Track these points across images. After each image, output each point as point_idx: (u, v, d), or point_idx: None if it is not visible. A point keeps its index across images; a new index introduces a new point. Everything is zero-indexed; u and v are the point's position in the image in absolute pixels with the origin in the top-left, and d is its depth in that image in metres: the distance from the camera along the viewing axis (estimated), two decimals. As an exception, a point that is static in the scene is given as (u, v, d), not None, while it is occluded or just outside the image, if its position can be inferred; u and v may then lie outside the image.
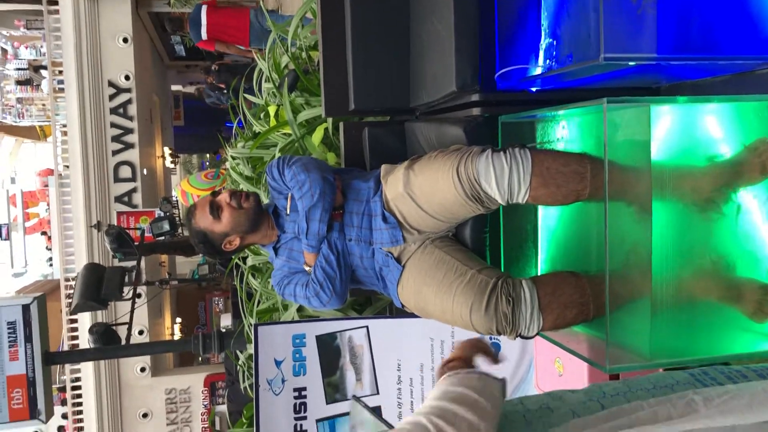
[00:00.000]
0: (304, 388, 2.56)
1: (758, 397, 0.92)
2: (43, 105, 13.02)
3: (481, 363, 1.19)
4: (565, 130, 1.90)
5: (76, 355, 5.50)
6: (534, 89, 1.98)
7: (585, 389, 1.15)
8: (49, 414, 3.85)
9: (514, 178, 1.69)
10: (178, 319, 12.24)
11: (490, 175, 1.71)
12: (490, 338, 2.75)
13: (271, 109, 3.34)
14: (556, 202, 1.74)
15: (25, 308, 3.74)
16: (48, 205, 12.61)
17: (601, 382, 1.21)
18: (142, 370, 9.40)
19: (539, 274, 2.04)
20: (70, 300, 7.35)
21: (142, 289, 8.11)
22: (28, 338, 3.74)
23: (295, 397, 2.55)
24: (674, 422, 0.91)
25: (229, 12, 6.50)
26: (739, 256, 1.66)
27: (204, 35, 6.49)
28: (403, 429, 0.87)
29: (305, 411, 2.55)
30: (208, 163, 14.37)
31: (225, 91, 8.51)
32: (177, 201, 10.34)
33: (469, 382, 0.96)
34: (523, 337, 1.80)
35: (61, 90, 9.18)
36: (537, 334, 1.79)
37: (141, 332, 9.18)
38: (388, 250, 2.01)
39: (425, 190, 1.87)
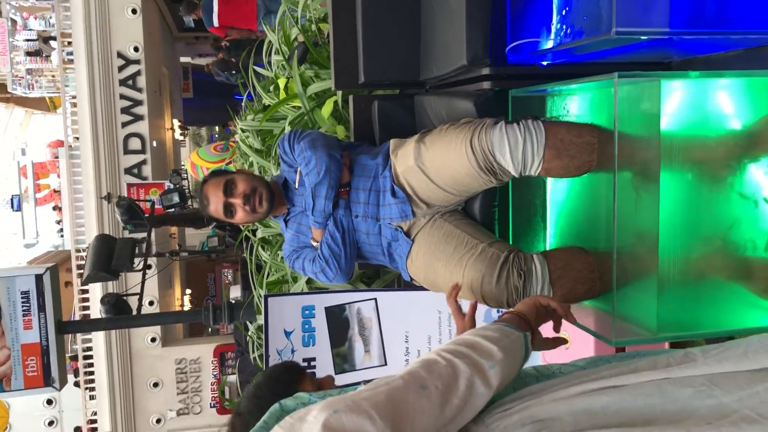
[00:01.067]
0: (314, 359, 2.60)
1: (753, 345, 0.94)
2: (53, 76, 13.00)
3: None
4: (575, 105, 1.89)
5: (88, 325, 5.58)
6: (545, 63, 1.97)
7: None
8: (63, 382, 3.93)
9: (528, 149, 1.69)
10: (188, 291, 12.35)
11: (505, 146, 1.71)
12: (497, 311, 2.77)
13: (281, 82, 3.34)
14: (568, 174, 1.74)
15: (38, 278, 3.79)
16: (58, 176, 12.67)
17: None
18: (153, 340, 9.51)
19: (548, 248, 2.05)
20: (81, 271, 7.43)
21: (152, 261, 8.17)
22: (42, 307, 3.80)
23: (305, 368, 2.59)
24: (672, 369, 0.93)
25: (239, 0, 6.88)
26: (749, 234, 1.66)
27: (215, 22, 6.96)
28: (415, 365, 0.91)
29: (314, 381, 2.58)
30: (217, 136, 14.37)
31: (234, 72, 8.54)
32: (186, 173, 10.37)
33: (484, 332, 1.00)
34: None
35: (71, 61, 9.17)
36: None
37: (151, 303, 9.28)
38: (397, 224, 2.02)
39: (437, 162, 1.87)
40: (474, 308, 1.73)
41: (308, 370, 2.62)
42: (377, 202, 2.03)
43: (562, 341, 1.24)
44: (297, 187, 2.16)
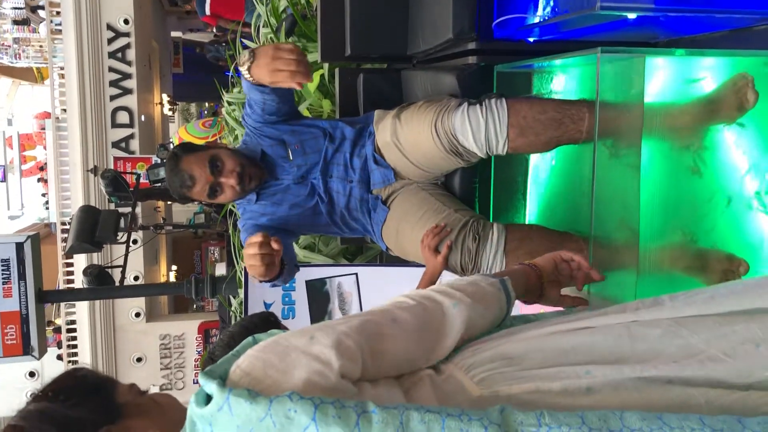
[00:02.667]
0: (293, 332, 2.60)
1: (720, 290, 0.95)
2: (41, 46, 12.82)
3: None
4: (560, 81, 1.89)
5: (69, 294, 5.55)
6: (531, 39, 1.97)
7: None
8: (42, 351, 3.91)
9: (490, 130, 1.69)
10: (174, 267, 12.32)
11: (467, 129, 1.71)
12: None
13: (269, 55, 3.30)
14: (536, 150, 1.75)
15: (19, 246, 3.77)
16: (45, 148, 12.54)
17: None
18: (137, 315, 9.49)
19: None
20: (65, 244, 7.37)
21: (137, 236, 8.14)
22: (22, 276, 3.77)
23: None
24: (641, 312, 0.94)
25: None
26: (706, 227, 1.67)
27: (207, 11, 7.58)
28: (385, 304, 0.93)
29: (293, 353, 2.59)
30: (206, 112, 14.27)
31: (224, 44, 8.58)
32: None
33: (455, 281, 1.01)
34: None
35: (59, 32, 9.05)
36: None
37: (136, 278, 9.25)
38: (377, 192, 2.01)
39: (410, 141, 1.87)
40: (449, 248, 1.75)
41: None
42: (367, 168, 2.01)
43: (583, 302, 1.18)
44: (291, 158, 2.02)
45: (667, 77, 1.61)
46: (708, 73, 1.61)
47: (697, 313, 0.91)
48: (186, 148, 2.00)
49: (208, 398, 0.77)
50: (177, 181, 1.94)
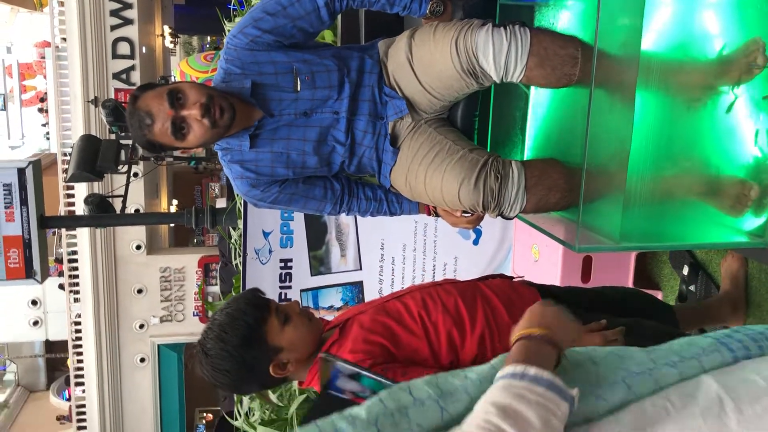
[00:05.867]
0: (290, 260, 2.65)
1: None
2: (39, -27, 12.58)
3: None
4: (562, 16, 1.88)
5: (70, 220, 5.61)
6: (536, -29, 1.94)
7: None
8: (45, 275, 3.99)
9: (511, 55, 1.68)
10: (174, 201, 12.39)
11: (489, 49, 1.69)
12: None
13: (271, -16, 3.26)
14: (548, 84, 1.74)
15: (21, 171, 3.79)
16: (45, 77, 12.41)
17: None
18: (138, 247, 9.60)
19: (525, 159, 2.07)
20: (66, 175, 7.40)
21: (138, 169, 8.16)
22: (24, 201, 3.81)
23: (281, 268, 2.65)
24: None
25: None
26: (719, 153, 1.69)
27: None
28: None
29: (290, 281, 2.65)
30: (208, 46, 14.08)
31: None
32: (175, 81, 10.22)
33: (530, 395, 0.87)
34: (504, 217, 1.84)
35: (58, -43, 8.88)
36: (517, 215, 1.84)
37: (137, 211, 9.33)
38: (392, 122, 1.97)
39: (424, 60, 1.84)
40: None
41: (281, 279, 2.71)
42: (379, 100, 1.96)
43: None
44: (299, 89, 1.83)
45: (677, 17, 1.60)
46: (717, 14, 1.61)
47: None
48: (144, 87, 1.78)
49: None
50: (135, 122, 1.74)
